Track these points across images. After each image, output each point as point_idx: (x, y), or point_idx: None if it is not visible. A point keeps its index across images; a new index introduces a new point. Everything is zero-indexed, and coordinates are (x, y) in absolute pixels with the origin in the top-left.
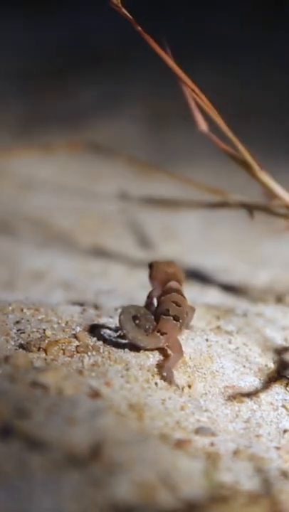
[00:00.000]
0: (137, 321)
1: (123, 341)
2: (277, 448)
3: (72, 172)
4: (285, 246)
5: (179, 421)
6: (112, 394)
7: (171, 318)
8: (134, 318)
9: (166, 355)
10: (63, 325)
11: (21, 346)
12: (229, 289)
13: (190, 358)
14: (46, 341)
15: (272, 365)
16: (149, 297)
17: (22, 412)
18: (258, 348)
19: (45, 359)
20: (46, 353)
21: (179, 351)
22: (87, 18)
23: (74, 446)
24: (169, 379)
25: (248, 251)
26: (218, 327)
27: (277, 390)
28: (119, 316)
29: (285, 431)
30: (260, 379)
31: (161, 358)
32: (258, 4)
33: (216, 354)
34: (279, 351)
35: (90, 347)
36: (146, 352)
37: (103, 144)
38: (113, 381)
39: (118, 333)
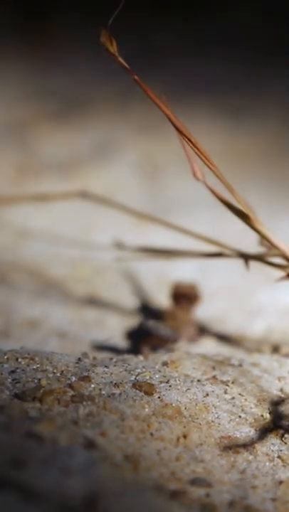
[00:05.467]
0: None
1: (118, 391)
2: (273, 499)
3: (67, 221)
4: (281, 295)
5: (174, 472)
6: (107, 444)
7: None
8: None
9: None
10: (58, 374)
11: (16, 396)
12: (224, 338)
13: (185, 408)
14: (41, 391)
15: (268, 416)
16: None
17: (17, 463)
18: (253, 398)
19: (40, 409)
20: (41, 403)
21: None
22: (80, 65)
23: (69, 498)
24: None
25: (244, 300)
26: (214, 377)
27: (273, 440)
28: (146, 324)
29: (280, 482)
30: (255, 429)
31: (157, 408)
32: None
33: (212, 404)
34: (275, 402)
35: (85, 397)
36: (142, 402)
37: (98, 193)
38: (108, 431)
39: (114, 382)
